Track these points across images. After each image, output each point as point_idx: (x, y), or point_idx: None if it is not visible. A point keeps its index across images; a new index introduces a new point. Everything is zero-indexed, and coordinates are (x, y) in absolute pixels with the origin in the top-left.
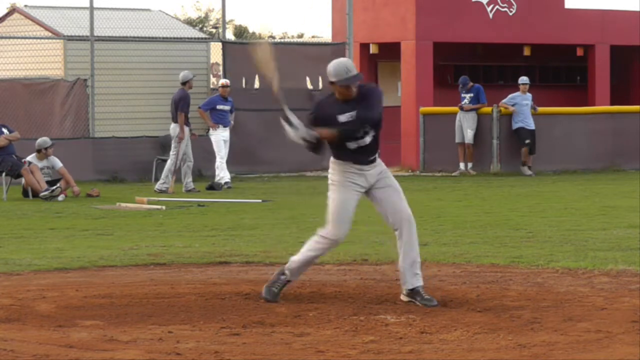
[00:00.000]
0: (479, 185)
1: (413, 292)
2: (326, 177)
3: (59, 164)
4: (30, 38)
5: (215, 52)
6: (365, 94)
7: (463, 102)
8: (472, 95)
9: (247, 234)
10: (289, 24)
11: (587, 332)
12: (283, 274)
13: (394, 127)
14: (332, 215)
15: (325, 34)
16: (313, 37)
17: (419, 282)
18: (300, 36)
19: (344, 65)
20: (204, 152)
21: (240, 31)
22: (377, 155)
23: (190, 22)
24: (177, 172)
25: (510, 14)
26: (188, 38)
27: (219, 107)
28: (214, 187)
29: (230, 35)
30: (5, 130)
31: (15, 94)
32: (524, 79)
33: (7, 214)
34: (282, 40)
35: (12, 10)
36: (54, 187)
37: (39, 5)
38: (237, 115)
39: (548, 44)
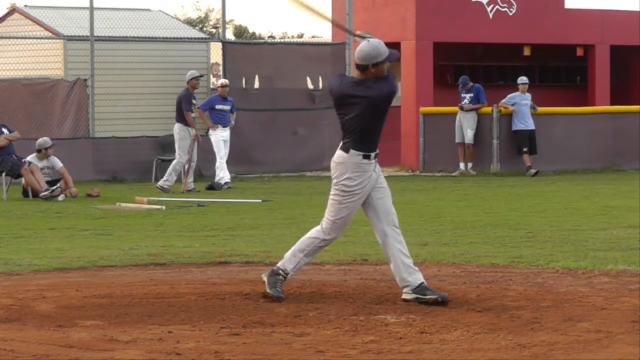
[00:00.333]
0: (479, 185)
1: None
2: (325, 177)
3: (59, 164)
4: (30, 38)
5: (215, 52)
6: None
7: (463, 102)
8: (472, 95)
9: (247, 234)
10: (289, 24)
11: (587, 332)
12: (278, 273)
13: (394, 127)
14: (339, 221)
15: (325, 34)
16: (313, 37)
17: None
18: (300, 36)
19: (381, 45)
20: (204, 152)
21: (240, 31)
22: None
23: (190, 22)
24: (182, 172)
25: (510, 14)
26: (188, 38)
27: (218, 107)
28: (214, 187)
29: (230, 35)
30: (5, 130)
31: (15, 94)
32: (523, 79)
33: (7, 214)
34: (282, 40)
35: (12, 10)
36: (54, 187)
37: (39, 5)
38: (237, 114)
39: (548, 44)
